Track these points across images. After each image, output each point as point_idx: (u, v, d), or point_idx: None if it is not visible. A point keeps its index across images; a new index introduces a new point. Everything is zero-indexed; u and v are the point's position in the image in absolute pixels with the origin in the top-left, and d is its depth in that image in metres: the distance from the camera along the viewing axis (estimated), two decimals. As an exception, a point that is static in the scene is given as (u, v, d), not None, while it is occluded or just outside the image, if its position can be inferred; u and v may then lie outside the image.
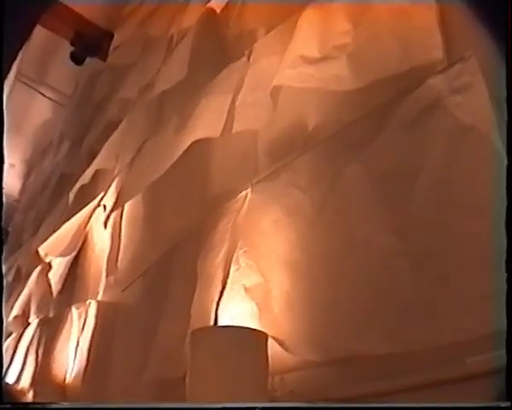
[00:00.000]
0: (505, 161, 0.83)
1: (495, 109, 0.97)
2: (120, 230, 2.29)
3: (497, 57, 0.99)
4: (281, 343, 1.18)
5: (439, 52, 1.12)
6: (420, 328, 0.95)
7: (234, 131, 1.59)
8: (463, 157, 1.00)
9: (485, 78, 1.02)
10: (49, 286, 2.91)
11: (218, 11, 2.25)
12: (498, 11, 0.88)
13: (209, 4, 2.33)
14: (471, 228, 0.93)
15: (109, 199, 2.52)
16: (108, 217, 2.33)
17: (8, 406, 1.05)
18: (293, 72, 1.44)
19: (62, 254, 2.81)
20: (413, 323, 0.96)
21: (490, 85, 1.00)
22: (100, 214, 2.61)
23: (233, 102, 1.66)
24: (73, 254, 2.80)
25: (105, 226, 2.37)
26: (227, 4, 2.20)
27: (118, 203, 2.24)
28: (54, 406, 1.76)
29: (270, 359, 1.13)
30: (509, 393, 0.73)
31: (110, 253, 2.35)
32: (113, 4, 3.74)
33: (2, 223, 1.25)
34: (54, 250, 2.82)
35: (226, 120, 1.62)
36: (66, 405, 1.88)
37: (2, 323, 2.49)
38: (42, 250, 2.82)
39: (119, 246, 2.25)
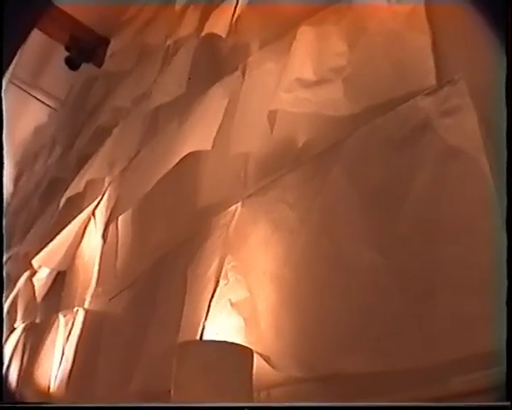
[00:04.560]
0: (504, 176, 0.84)
1: (483, 132, 0.99)
2: (117, 242, 2.28)
3: (487, 79, 1.01)
4: (266, 359, 1.18)
5: (433, 78, 1.14)
6: (405, 347, 0.96)
7: (230, 153, 1.59)
8: (451, 179, 1.01)
9: (474, 100, 1.03)
10: (34, 289, 2.89)
11: (214, 22, 2.25)
12: (499, 10, 0.89)
13: (205, 13, 2.34)
14: (458, 249, 0.94)
15: (101, 209, 2.51)
16: (106, 229, 2.31)
17: (8, 406, 1.05)
18: (289, 96, 1.45)
19: (57, 267, 2.78)
20: (398, 342, 0.97)
21: (479, 108, 1.01)
22: (91, 224, 2.60)
23: (228, 119, 1.67)
24: (69, 266, 2.76)
25: (103, 239, 2.36)
26: (223, 16, 2.20)
27: (112, 216, 2.23)
28: (53, 406, 1.75)
29: (255, 374, 1.13)
30: (508, 393, 0.73)
31: (101, 263, 2.33)
32: (110, 11, 3.74)
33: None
34: (48, 262, 2.78)
35: (221, 139, 1.62)
36: (65, 405, 1.87)
37: (2, 323, 2.47)
38: (36, 263, 2.78)
39: (116, 258, 2.23)
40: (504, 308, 0.78)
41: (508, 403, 0.73)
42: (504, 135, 0.86)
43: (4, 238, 4.34)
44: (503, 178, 0.85)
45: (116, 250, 2.23)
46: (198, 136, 1.75)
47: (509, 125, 0.85)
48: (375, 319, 1.02)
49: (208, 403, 1.01)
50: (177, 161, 1.72)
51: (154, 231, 2.01)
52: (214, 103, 1.78)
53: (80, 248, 2.72)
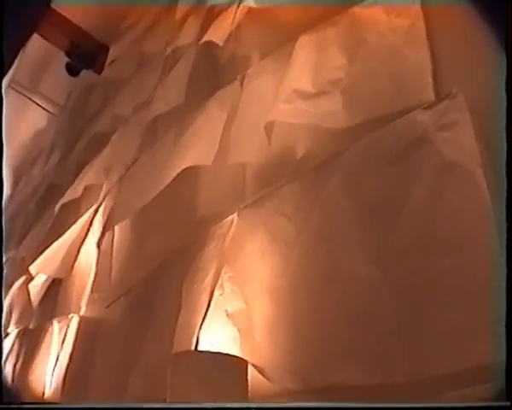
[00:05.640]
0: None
1: (481, 146, 0.99)
2: (112, 250, 2.27)
3: (486, 93, 1.02)
4: (260, 371, 1.17)
5: (431, 92, 1.14)
6: (402, 360, 0.95)
7: (227, 162, 1.60)
8: (448, 193, 1.01)
9: (473, 114, 1.03)
10: (29, 295, 2.88)
11: (213, 31, 2.26)
12: (499, 10, 0.89)
13: (206, 22, 2.35)
14: (455, 262, 0.94)
15: (99, 217, 2.51)
16: (101, 238, 2.30)
17: (8, 406, 1.04)
18: (287, 107, 1.46)
19: (55, 275, 2.76)
20: (395, 355, 0.97)
21: (477, 122, 1.02)
22: (89, 231, 2.60)
23: (226, 129, 1.67)
24: (67, 274, 2.74)
25: (98, 247, 2.35)
26: (222, 25, 2.21)
27: (108, 225, 2.23)
28: (53, 406, 1.73)
29: (250, 385, 1.13)
30: (509, 393, 0.73)
31: (97, 271, 2.33)
32: (110, 18, 3.76)
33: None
34: (46, 269, 2.76)
35: (218, 149, 1.62)
36: (65, 405, 1.86)
37: (1, 324, 2.46)
38: (33, 269, 2.77)
39: (111, 266, 2.22)
40: (502, 322, 0.78)
41: (508, 403, 0.73)
42: (504, 149, 0.86)
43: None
44: (502, 192, 0.85)
45: (111, 258, 2.23)
46: (198, 150, 1.75)
47: (509, 138, 0.85)
48: (371, 331, 1.02)
49: (211, 404, 1.01)
50: (175, 175, 1.72)
51: (150, 240, 2.00)
52: (213, 115, 1.78)
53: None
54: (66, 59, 4.11)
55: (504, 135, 0.88)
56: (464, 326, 0.87)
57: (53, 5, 3.66)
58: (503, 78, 0.89)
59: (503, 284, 0.80)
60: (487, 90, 1.02)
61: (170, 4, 2.99)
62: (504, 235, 0.83)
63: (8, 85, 4.40)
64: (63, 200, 2.95)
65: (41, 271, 2.79)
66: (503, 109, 0.88)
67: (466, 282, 0.91)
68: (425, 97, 1.15)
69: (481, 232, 0.92)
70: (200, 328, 1.32)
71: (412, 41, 1.26)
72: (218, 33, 2.12)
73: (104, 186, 2.60)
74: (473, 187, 0.96)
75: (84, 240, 2.63)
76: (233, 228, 1.45)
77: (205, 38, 2.21)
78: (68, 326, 2.32)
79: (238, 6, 2.05)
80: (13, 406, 1.07)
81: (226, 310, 1.31)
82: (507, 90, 0.87)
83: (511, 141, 0.87)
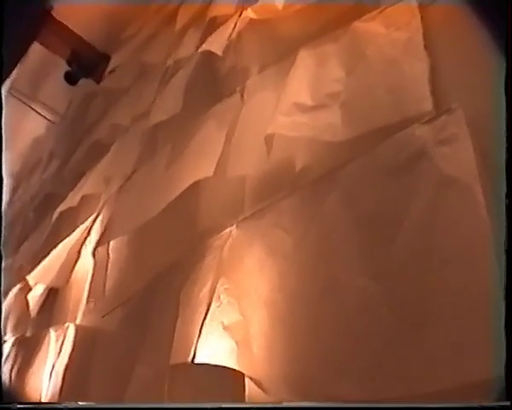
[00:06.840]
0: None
1: (479, 161, 0.99)
2: (108, 260, 2.27)
3: (486, 106, 1.02)
4: (257, 383, 1.17)
5: (429, 105, 1.15)
6: (399, 374, 0.95)
7: (227, 175, 1.60)
8: (446, 207, 1.01)
9: (472, 128, 1.04)
10: (28, 305, 2.87)
11: (213, 42, 2.27)
12: (498, 11, 0.90)
13: (206, 34, 2.36)
14: (452, 275, 0.94)
15: (96, 228, 2.50)
16: (96, 249, 2.30)
17: (8, 406, 1.04)
18: (286, 120, 1.47)
19: (53, 284, 2.76)
20: (393, 369, 0.96)
21: (477, 136, 1.02)
22: (87, 241, 2.59)
23: (226, 142, 1.68)
24: (65, 283, 2.73)
25: (93, 256, 2.35)
26: (222, 36, 2.22)
27: (104, 238, 2.22)
28: (53, 406, 1.72)
29: (247, 398, 1.13)
30: (509, 393, 0.73)
31: (93, 280, 2.32)
32: (112, 28, 3.78)
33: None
34: (44, 279, 2.76)
35: (218, 162, 1.63)
36: (66, 405, 1.85)
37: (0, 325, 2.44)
38: (32, 279, 2.77)
39: (105, 276, 2.22)
40: (502, 335, 0.78)
41: (508, 403, 0.73)
42: (502, 163, 0.87)
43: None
44: (500, 206, 0.85)
45: (106, 268, 2.23)
46: (197, 166, 1.75)
47: (508, 152, 0.86)
48: (368, 345, 1.02)
49: (211, 404, 1.00)
50: (177, 189, 1.73)
51: (148, 250, 2.00)
52: (213, 132, 1.79)
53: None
54: (67, 67, 4.13)
55: (503, 149, 0.88)
56: (463, 340, 0.87)
57: (54, 13, 3.68)
58: (503, 90, 0.90)
59: (502, 296, 0.81)
60: (486, 103, 1.02)
61: (171, 11, 3.01)
62: (503, 248, 0.84)
63: (9, 92, 4.41)
64: (61, 208, 2.95)
65: (39, 280, 2.79)
66: (503, 123, 0.89)
67: (464, 295, 0.91)
68: (423, 109, 1.15)
69: (479, 246, 0.92)
70: (198, 340, 1.31)
71: (411, 54, 1.27)
72: (217, 43, 2.12)
73: (103, 196, 2.60)
74: (471, 201, 0.96)
75: (81, 249, 2.63)
76: (231, 240, 1.44)
77: (204, 47, 2.22)
78: (65, 335, 2.31)
79: (239, 16, 2.06)
80: (12, 406, 1.06)
81: (223, 322, 1.30)
82: (506, 103, 0.88)
83: (510, 155, 0.87)
